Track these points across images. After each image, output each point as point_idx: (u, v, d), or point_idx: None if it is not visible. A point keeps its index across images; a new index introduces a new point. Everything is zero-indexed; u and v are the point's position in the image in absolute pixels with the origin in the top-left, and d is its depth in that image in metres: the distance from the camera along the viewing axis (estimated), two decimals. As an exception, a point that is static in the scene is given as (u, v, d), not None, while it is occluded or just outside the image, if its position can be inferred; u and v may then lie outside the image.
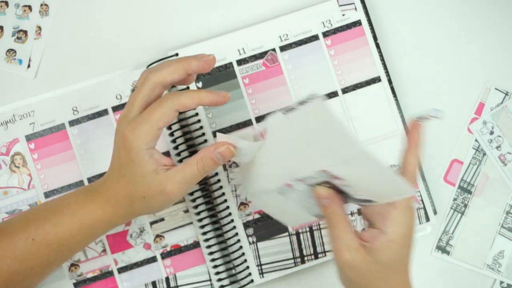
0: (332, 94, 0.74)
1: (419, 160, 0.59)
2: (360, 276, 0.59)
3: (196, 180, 0.62)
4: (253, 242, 0.73)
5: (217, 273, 0.72)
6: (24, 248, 0.63)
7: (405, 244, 0.59)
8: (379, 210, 0.59)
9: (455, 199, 0.75)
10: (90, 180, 0.73)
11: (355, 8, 0.74)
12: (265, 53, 0.74)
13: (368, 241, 0.59)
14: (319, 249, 0.73)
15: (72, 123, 0.74)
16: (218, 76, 0.74)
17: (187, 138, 0.73)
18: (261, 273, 0.73)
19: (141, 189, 0.62)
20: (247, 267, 0.72)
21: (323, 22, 0.74)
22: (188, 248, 0.73)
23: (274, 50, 0.74)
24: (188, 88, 0.72)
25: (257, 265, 0.73)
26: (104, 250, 0.73)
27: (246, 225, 0.73)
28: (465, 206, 0.75)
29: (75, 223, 0.63)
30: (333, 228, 0.59)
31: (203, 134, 0.73)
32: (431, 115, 0.60)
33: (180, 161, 0.72)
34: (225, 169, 0.73)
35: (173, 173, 0.62)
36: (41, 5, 0.76)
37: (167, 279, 0.73)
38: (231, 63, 0.74)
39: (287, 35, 0.74)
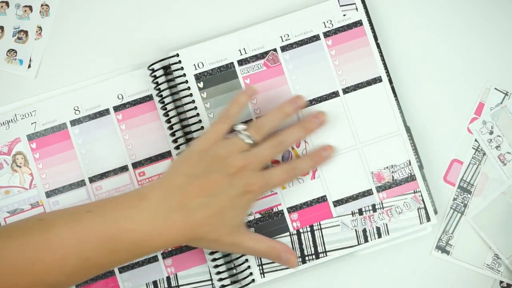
0: (333, 94, 0.74)
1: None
2: None
3: (253, 254, 0.70)
4: (254, 241, 0.73)
5: (218, 272, 0.72)
6: (74, 265, 0.62)
7: None
8: None
9: (455, 199, 0.75)
10: (91, 179, 0.73)
11: (356, 9, 0.74)
12: (266, 53, 0.74)
13: None
14: (320, 249, 0.73)
15: (74, 122, 0.74)
16: (219, 76, 0.74)
17: (188, 139, 0.73)
18: (262, 273, 0.73)
19: (222, 232, 0.66)
20: (248, 267, 0.73)
21: (324, 22, 0.75)
22: (189, 247, 0.74)
23: (275, 50, 0.74)
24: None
25: (258, 265, 0.73)
26: (105, 250, 0.73)
27: (247, 225, 0.73)
28: (465, 206, 0.75)
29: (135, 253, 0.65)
30: None
31: (204, 134, 0.73)
32: None
33: (182, 161, 0.73)
34: (226, 169, 0.73)
35: (252, 235, 0.69)
36: (42, 5, 0.76)
37: (168, 278, 0.73)
38: (232, 63, 0.74)
39: (288, 35, 0.74)
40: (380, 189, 0.74)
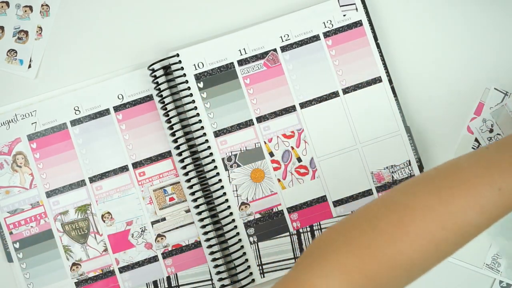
0: (333, 95, 0.74)
1: None
2: None
3: None
4: (254, 242, 0.73)
5: (218, 272, 0.72)
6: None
7: None
8: None
9: (455, 199, 0.75)
10: (91, 179, 0.74)
11: (356, 9, 0.74)
12: (266, 53, 0.74)
13: None
14: (319, 249, 0.73)
15: (74, 122, 0.74)
16: (219, 76, 0.74)
17: (188, 138, 0.73)
18: (262, 273, 0.73)
19: None
20: (248, 267, 0.73)
21: (324, 23, 0.75)
22: (189, 247, 0.74)
23: (275, 50, 0.74)
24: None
25: (258, 265, 0.73)
26: (106, 250, 0.74)
27: (247, 225, 0.73)
28: (465, 205, 0.75)
29: None
30: None
31: (204, 134, 0.73)
32: None
33: (182, 161, 0.73)
34: (226, 169, 0.74)
35: None
36: (42, 5, 0.76)
37: (168, 278, 0.74)
38: (232, 63, 0.74)
39: (288, 35, 0.74)
40: (380, 189, 0.74)
